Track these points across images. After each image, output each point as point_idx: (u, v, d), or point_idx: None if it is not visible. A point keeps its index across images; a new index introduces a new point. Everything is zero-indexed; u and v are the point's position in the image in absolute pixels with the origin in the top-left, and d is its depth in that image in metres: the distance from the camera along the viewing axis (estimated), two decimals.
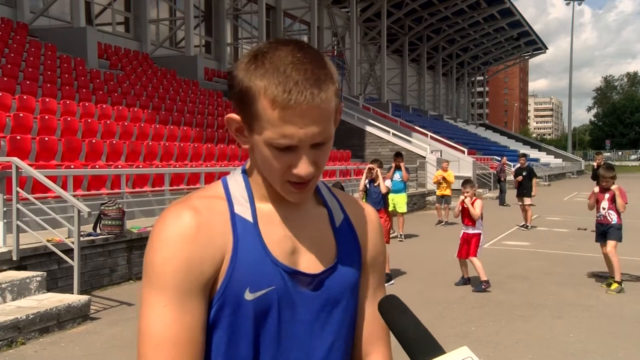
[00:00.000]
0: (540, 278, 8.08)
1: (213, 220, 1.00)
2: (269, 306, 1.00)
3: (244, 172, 1.09)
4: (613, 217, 7.29)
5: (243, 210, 1.04)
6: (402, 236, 11.93)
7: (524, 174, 14.32)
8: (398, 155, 11.99)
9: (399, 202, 11.67)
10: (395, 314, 0.99)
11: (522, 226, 13.85)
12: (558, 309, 6.47)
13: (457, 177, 15.05)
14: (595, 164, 16.15)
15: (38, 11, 17.23)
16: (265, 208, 1.06)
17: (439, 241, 11.57)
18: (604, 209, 7.34)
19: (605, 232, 7.37)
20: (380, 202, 8.06)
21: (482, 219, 7.62)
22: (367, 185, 8.24)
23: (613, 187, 7.28)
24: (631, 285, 7.59)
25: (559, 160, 53.45)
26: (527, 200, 13.94)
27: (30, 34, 15.80)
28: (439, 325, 5.70)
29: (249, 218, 1.03)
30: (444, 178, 14.77)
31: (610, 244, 7.26)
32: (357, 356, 1.14)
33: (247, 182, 1.07)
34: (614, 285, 7.21)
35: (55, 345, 5.16)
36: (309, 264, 1.05)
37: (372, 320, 1.14)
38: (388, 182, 8.62)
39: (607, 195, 7.33)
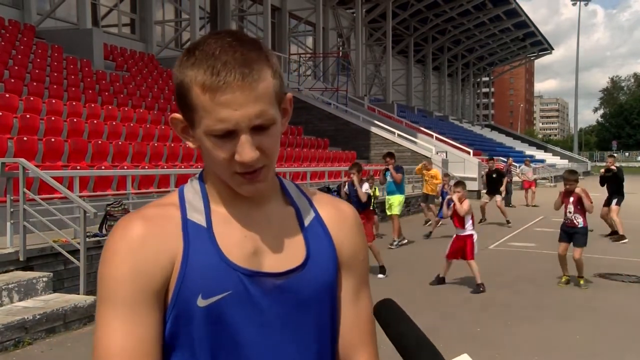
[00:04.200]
0: (546, 279, 8.04)
1: (163, 227, 0.97)
2: (226, 313, 0.95)
3: (200, 176, 1.06)
4: (579, 221, 7.41)
5: (197, 215, 1.00)
6: (396, 243, 10.95)
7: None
8: (387, 155, 11.04)
9: (390, 203, 11.24)
10: (393, 320, 0.95)
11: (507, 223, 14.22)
12: (564, 311, 6.45)
13: (463, 179, 14.97)
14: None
15: (45, 13, 17.33)
16: (223, 211, 1.01)
17: (442, 243, 11.51)
18: (570, 212, 7.46)
19: (571, 234, 7.49)
20: (357, 207, 7.85)
21: (472, 221, 7.53)
22: (348, 190, 8.24)
23: (577, 190, 7.32)
24: (637, 288, 7.59)
25: (565, 161, 53.29)
26: (497, 198, 14.74)
27: (37, 35, 15.87)
28: (444, 327, 5.68)
29: (203, 223, 0.99)
30: (430, 175, 13.80)
31: (578, 251, 7.40)
32: None
33: (202, 186, 1.03)
34: (582, 281, 7.49)
35: (62, 346, 5.18)
36: (274, 263, 0.99)
37: (354, 324, 1.07)
38: (365, 186, 8.41)
39: (571, 199, 7.41)
